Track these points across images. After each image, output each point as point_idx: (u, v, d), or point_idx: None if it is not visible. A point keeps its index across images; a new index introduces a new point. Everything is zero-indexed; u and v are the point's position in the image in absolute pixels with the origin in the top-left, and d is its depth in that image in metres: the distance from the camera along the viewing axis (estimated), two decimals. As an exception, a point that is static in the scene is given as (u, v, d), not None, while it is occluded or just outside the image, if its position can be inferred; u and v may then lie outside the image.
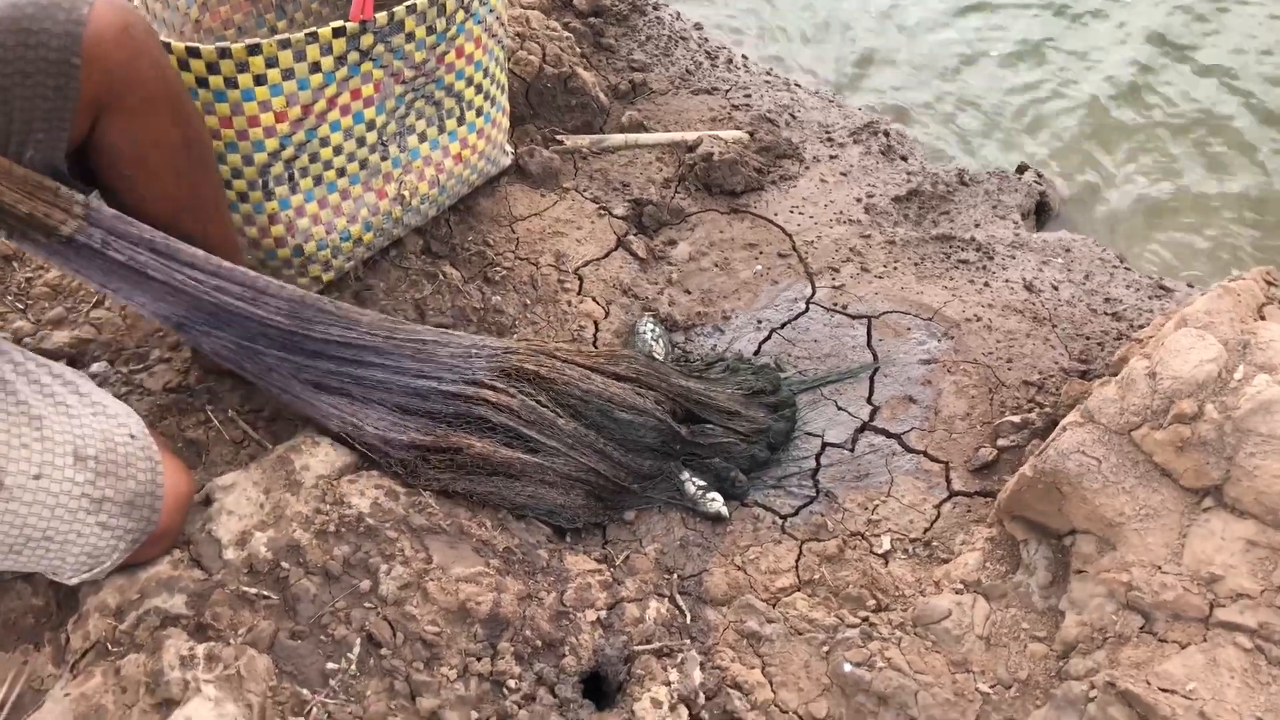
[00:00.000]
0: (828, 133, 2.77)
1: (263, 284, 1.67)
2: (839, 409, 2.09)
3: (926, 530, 1.87)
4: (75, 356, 2.07)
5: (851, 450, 2.03)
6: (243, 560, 1.67)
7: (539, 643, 1.62)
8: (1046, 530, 1.65)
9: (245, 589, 1.63)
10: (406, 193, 2.14)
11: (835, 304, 2.29)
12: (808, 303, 2.29)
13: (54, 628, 1.65)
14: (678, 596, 1.76)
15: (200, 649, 1.51)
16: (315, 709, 1.52)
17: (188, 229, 1.63)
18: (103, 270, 1.57)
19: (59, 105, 1.43)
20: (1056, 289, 2.34)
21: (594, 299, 2.26)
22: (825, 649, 1.66)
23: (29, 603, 1.68)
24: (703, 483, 1.92)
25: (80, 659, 1.55)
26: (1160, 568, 1.47)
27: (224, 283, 1.64)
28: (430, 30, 1.96)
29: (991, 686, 1.56)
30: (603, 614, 1.69)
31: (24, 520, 1.46)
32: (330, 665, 1.57)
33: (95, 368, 2.05)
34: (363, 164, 2.04)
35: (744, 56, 3.14)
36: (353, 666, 1.57)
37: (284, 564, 1.69)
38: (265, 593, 1.65)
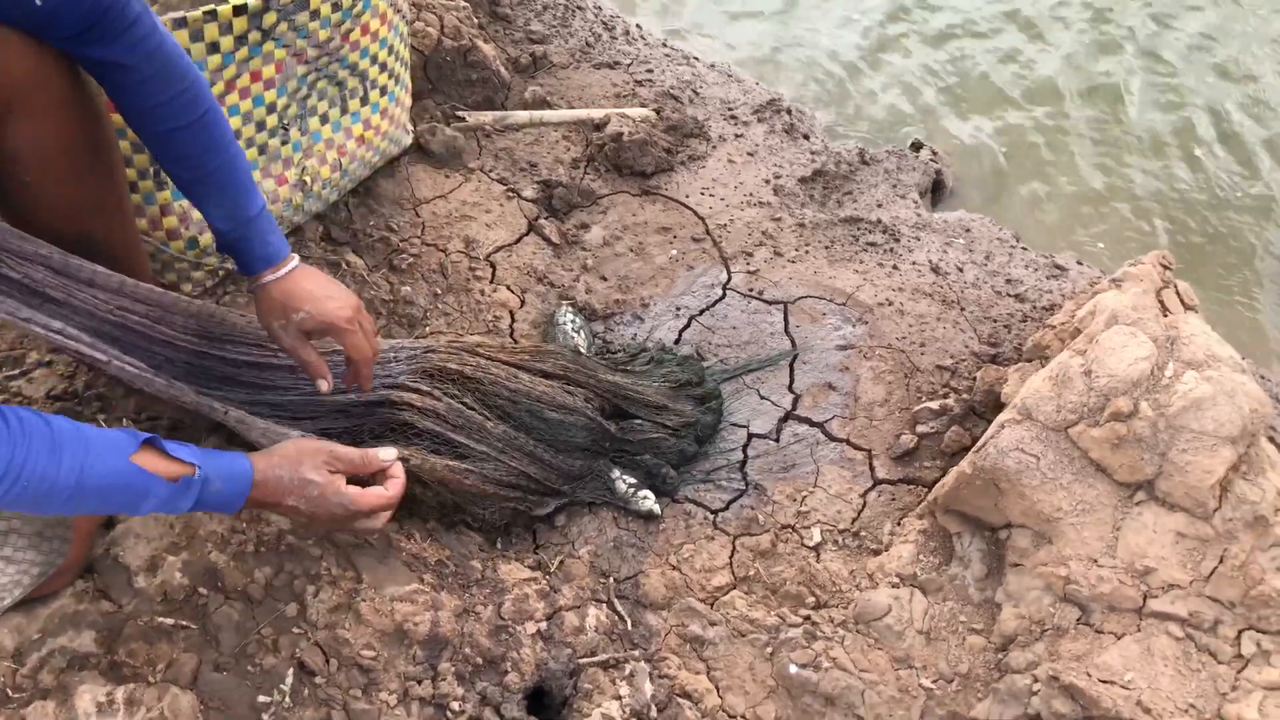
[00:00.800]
0: (731, 110, 2.74)
1: (169, 300, 1.54)
2: (762, 398, 2.09)
3: (854, 520, 1.89)
4: (-62, 361, 1.87)
5: (777, 440, 2.03)
6: (155, 588, 1.55)
7: (480, 660, 1.57)
8: (980, 524, 1.68)
9: (161, 620, 1.51)
10: (308, 178, 2.01)
11: (751, 289, 2.27)
12: (724, 288, 2.27)
13: (-58, 672, 1.49)
14: (615, 601, 1.73)
15: (119, 692, 1.39)
16: (247, 747, 1.43)
17: (89, 231, 1.49)
18: None
19: None
20: (961, 270, 2.38)
21: (508, 287, 2.18)
22: (769, 650, 1.66)
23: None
24: (633, 480, 1.88)
25: (-24, 707, 1.41)
26: (1096, 561, 1.51)
27: (127, 301, 1.51)
28: (336, 7, 1.83)
29: (934, 681, 1.60)
30: (542, 625, 1.64)
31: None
32: (261, 698, 1.48)
33: (-38, 374, 1.86)
34: (261, 149, 1.90)
35: (638, 26, 3.06)
36: (286, 699, 1.48)
37: (201, 590, 1.57)
38: (183, 622, 1.53)
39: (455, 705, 1.51)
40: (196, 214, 1.84)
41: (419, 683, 1.52)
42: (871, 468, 1.98)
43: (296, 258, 1.53)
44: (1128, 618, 1.48)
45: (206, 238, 1.89)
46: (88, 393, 1.80)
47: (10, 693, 1.42)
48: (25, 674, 1.43)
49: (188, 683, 1.47)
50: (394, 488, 1.46)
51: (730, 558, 1.82)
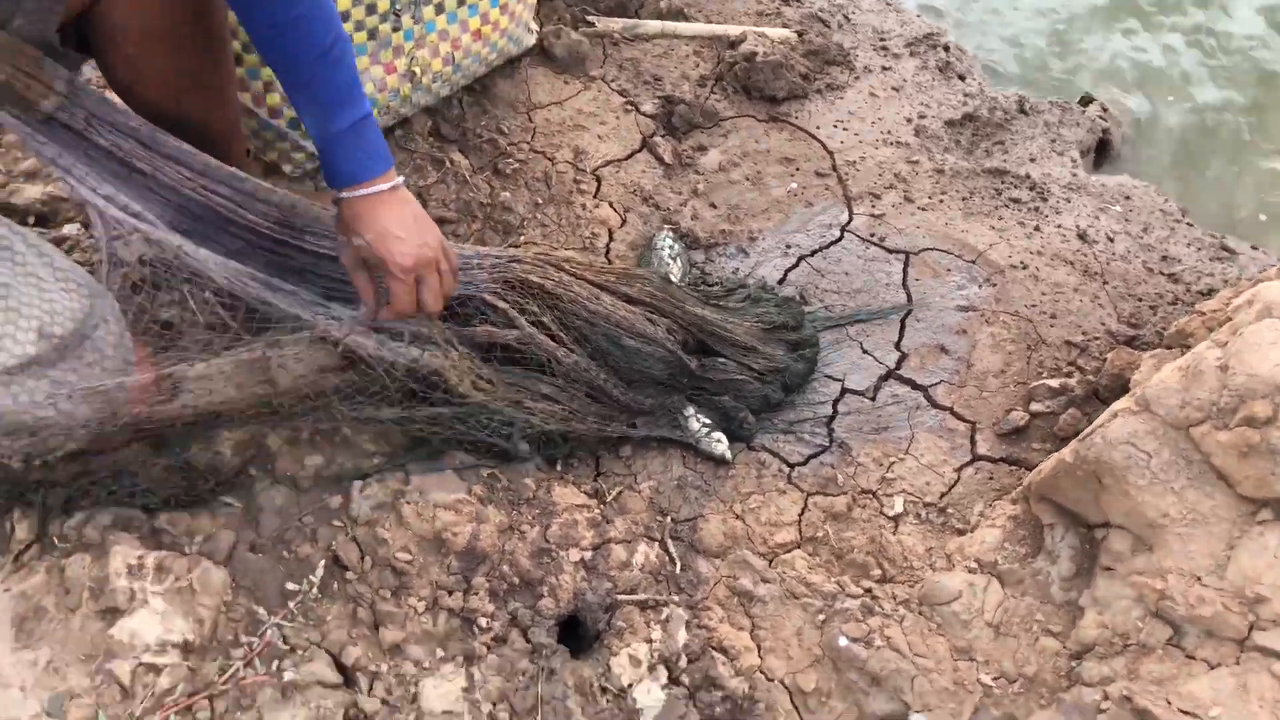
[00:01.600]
0: (882, 40, 2.54)
1: (251, 187, 1.51)
2: (864, 352, 1.94)
3: (943, 495, 1.75)
4: (46, 215, 1.92)
5: (873, 399, 1.88)
6: (206, 463, 1.55)
7: (516, 580, 1.51)
8: (1077, 518, 1.52)
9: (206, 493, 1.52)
10: (417, 69, 1.94)
11: (872, 234, 2.11)
12: (843, 230, 2.12)
13: (2, 512, 1.53)
14: (669, 542, 1.64)
15: (150, 559, 1.40)
16: (271, 630, 1.41)
17: (189, 112, 1.48)
18: (83, 158, 1.41)
19: None
20: (1112, 240, 2.15)
21: (611, 204, 2.08)
22: (821, 617, 1.54)
23: (-21, 483, 1.56)
24: (708, 421, 1.78)
25: (24, 550, 1.45)
26: (1200, 579, 1.34)
27: (211, 183, 1.48)
28: (457, -114, 1.74)
29: (994, 679, 1.46)
30: (587, 554, 1.57)
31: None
32: (291, 585, 1.47)
33: (67, 229, 1.90)
34: (371, 34, 1.84)
35: (800, -56, 2.87)
36: (314, 589, 1.46)
37: (251, 470, 1.57)
38: (228, 499, 1.54)
39: (483, 622, 1.47)
40: (299, 93, 1.81)
41: (450, 593, 1.48)
42: (973, 441, 1.82)
43: (391, 183, 1.43)
44: (1226, 647, 1.31)
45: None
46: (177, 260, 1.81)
47: (57, 541, 1.45)
48: (72, 525, 1.46)
49: (222, 558, 1.46)
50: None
51: (800, 515, 1.71)
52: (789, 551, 1.65)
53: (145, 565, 1.39)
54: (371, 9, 1.81)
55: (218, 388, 1.60)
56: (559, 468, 1.72)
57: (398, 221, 1.43)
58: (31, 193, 1.94)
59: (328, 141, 1.41)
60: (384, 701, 1.38)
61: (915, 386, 1.90)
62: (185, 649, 1.36)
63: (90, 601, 1.38)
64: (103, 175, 1.45)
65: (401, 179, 1.46)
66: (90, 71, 1.61)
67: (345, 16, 1.78)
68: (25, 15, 1.30)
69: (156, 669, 1.34)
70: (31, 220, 1.86)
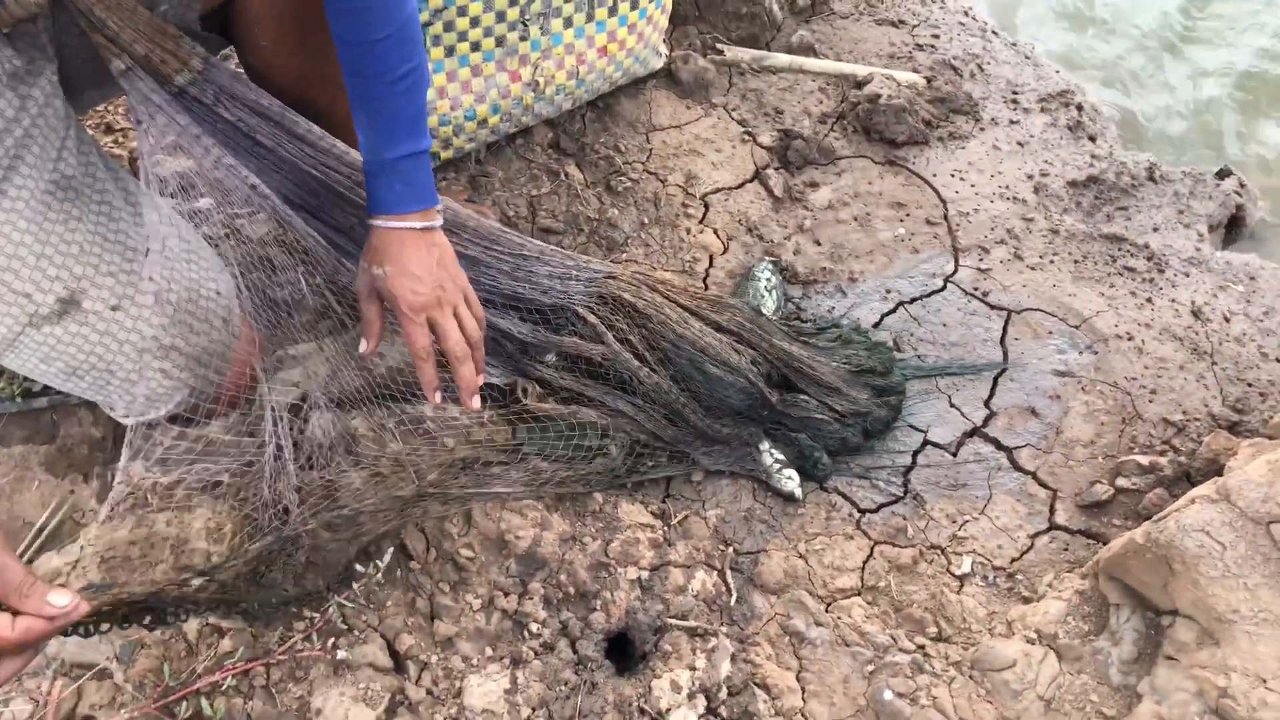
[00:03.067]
0: (1014, 94, 2.50)
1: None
2: (951, 406, 1.91)
3: (1014, 561, 1.71)
4: (183, 187, 2.03)
5: (954, 455, 1.85)
6: (294, 437, 1.62)
7: (571, 590, 1.54)
8: (1145, 602, 1.47)
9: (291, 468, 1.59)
10: (541, 79, 2.00)
11: (976, 288, 2.08)
12: (946, 280, 2.09)
13: (105, 463, 1.64)
14: (728, 573, 1.65)
15: (229, 525, 1.47)
16: (332, 608, 1.47)
17: (313, 100, 1.56)
18: (210, 130, 1.51)
19: None
20: (1228, 320, 2.07)
21: (715, 231, 2.10)
22: (870, 668, 1.53)
23: (87, 432, 1.67)
24: (781, 457, 1.78)
25: (120, 503, 1.54)
26: (1265, 682, 1.28)
27: (332, 162, 1.56)
28: (597, -92, 1.79)
29: (1041, 757, 1.42)
30: (645, 574, 1.59)
31: (91, 347, 1.43)
32: (358, 567, 1.53)
33: (201, 203, 2.00)
34: (499, 41, 1.91)
35: (942, -12, 2.84)
36: (379, 574, 1.52)
37: (335, 451, 1.64)
38: (311, 478, 1.60)
39: (534, 627, 1.50)
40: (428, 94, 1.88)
41: (506, 595, 1.52)
42: (1052, 510, 1.78)
43: (426, 223, 1.45)
44: (1287, 759, 1.25)
45: (433, 120, 1.93)
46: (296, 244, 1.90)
47: (149, 498, 1.54)
48: (165, 485, 1.55)
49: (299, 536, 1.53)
50: (20, 630, 0.98)
51: (864, 562, 1.69)
52: (848, 598, 1.64)
53: (223, 529, 1.47)
54: (501, 16, 1.87)
55: (316, 368, 1.68)
56: (629, 485, 1.74)
57: (419, 261, 1.44)
58: (171, 166, 2.06)
59: (374, 166, 1.44)
60: (429, 692, 1.43)
61: (1000, 447, 1.86)
62: (250, 614, 1.43)
63: (170, 557, 1.46)
64: (226, 148, 1.54)
65: (440, 221, 1.47)
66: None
67: (475, 22, 1.85)
68: (170, 2, 1.39)
69: (221, 631, 1.41)
70: (172, 190, 1.98)
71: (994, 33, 2.71)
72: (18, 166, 1.38)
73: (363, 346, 1.51)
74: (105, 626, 1.18)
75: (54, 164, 1.42)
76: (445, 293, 1.45)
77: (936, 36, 2.59)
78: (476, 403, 1.48)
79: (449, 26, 1.84)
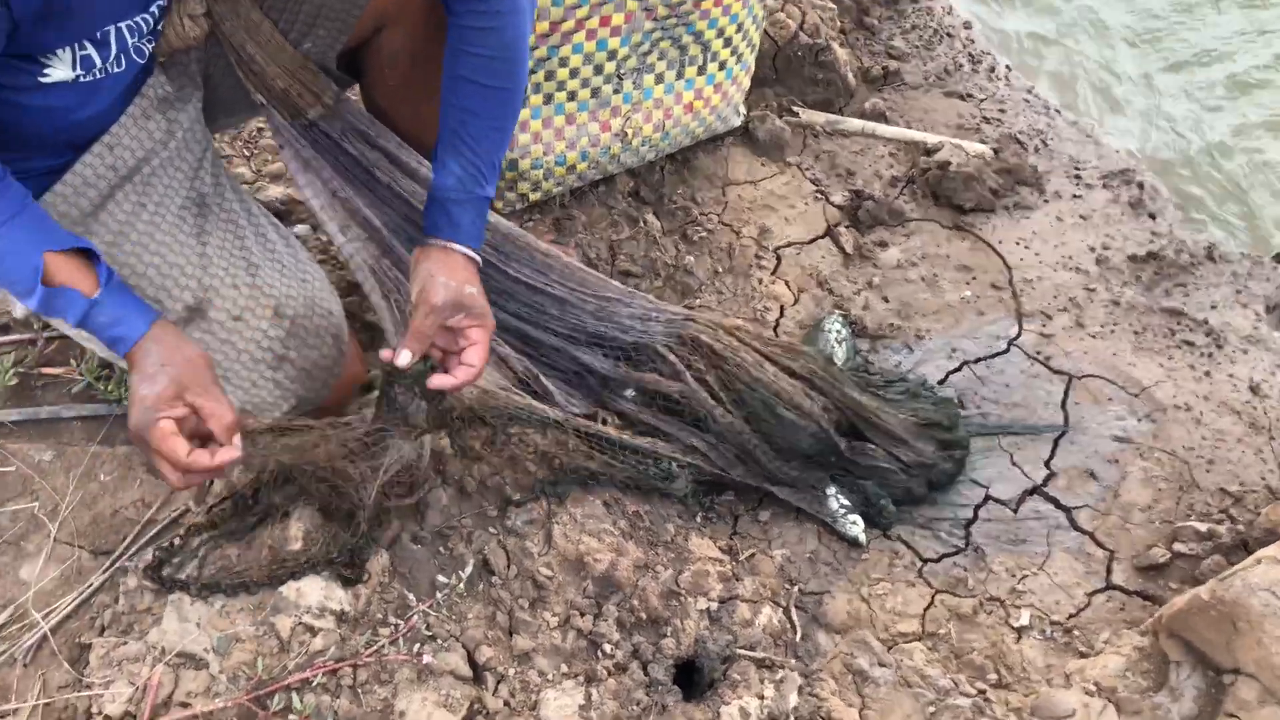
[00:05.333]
0: (1077, 169, 2.58)
1: None
2: (1013, 464, 1.96)
3: (1071, 616, 1.74)
4: (283, 214, 2.14)
5: (1014, 511, 1.90)
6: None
7: (644, 615, 1.59)
8: (1206, 660, 1.50)
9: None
10: (629, 130, 2.10)
11: (1038, 352, 2.14)
12: (1010, 343, 2.15)
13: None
14: (793, 610, 1.69)
15: (321, 532, 1.54)
16: (417, 616, 1.53)
17: (425, 142, 1.66)
18: (333, 162, 1.61)
19: (348, 10, 1.47)
20: (1287, 399, 2.11)
21: (787, 283, 2.18)
22: (931, 709, 1.56)
23: (188, 436, 1.75)
24: (847, 502, 1.83)
25: (218, 504, 1.61)
26: (1330, 744, 1.31)
27: None
28: (695, -27, 1.90)
29: (1100, 807, 1.45)
30: (713, 605, 1.64)
31: (211, 354, 1.51)
32: (441, 578, 1.59)
33: (299, 229, 2.12)
34: (594, 92, 2.01)
35: (1007, 68, 2.94)
36: (461, 585, 1.57)
37: (429, 470, 1.71)
38: (401, 492, 1.67)
39: (608, 647, 1.55)
40: (523, 138, 1.99)
41: (582, 615, 1.57)
42: (1109, 570, 1.81)
43: (471, 254, 1.50)
44: (1350, 820, 1.27)
45: (526, 163, 2.03)
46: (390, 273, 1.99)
47: (249, 502, 1.61)
48: (272, 486, 1.62)
49: (387, 543, 1.60)
50: (199, 461, 1.25)
51: (925, 609, 1.73)
52: (909, 642, 1.68)
53: (315, 537, 1.54)
54: (599, 70, 1.98)
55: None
56: (699, 519, 1.80)
57: (454, 273, 1.46)
58: (274, 192, 2.18)
59: (464, 197, 1.48)
60: (506, 703, 1.48)
61: (1059, 506, 1.91)
62: (340, 618, 1.49)
63: (268, 554, 1.53)
64: (345, 179, 1.64)
65: (479, 260, 1.52)
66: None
67: (574, 73, 1.96)
68: (315, 40, 1.51)
69: (313, 630, 1.47)
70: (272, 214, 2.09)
71: (1056, 111, 2.80)
72: (158, 184, 1.48)
73: (404, 359, 1.43)
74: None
75: (191, 182, 1.52)
76: (466, 295, 1.48)
77: (1003, 111, 2.69)
78: (446, 383, 1.48)
79: (550, 76, 1.94)
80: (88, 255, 1.28)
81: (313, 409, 1.63)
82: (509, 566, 1.61)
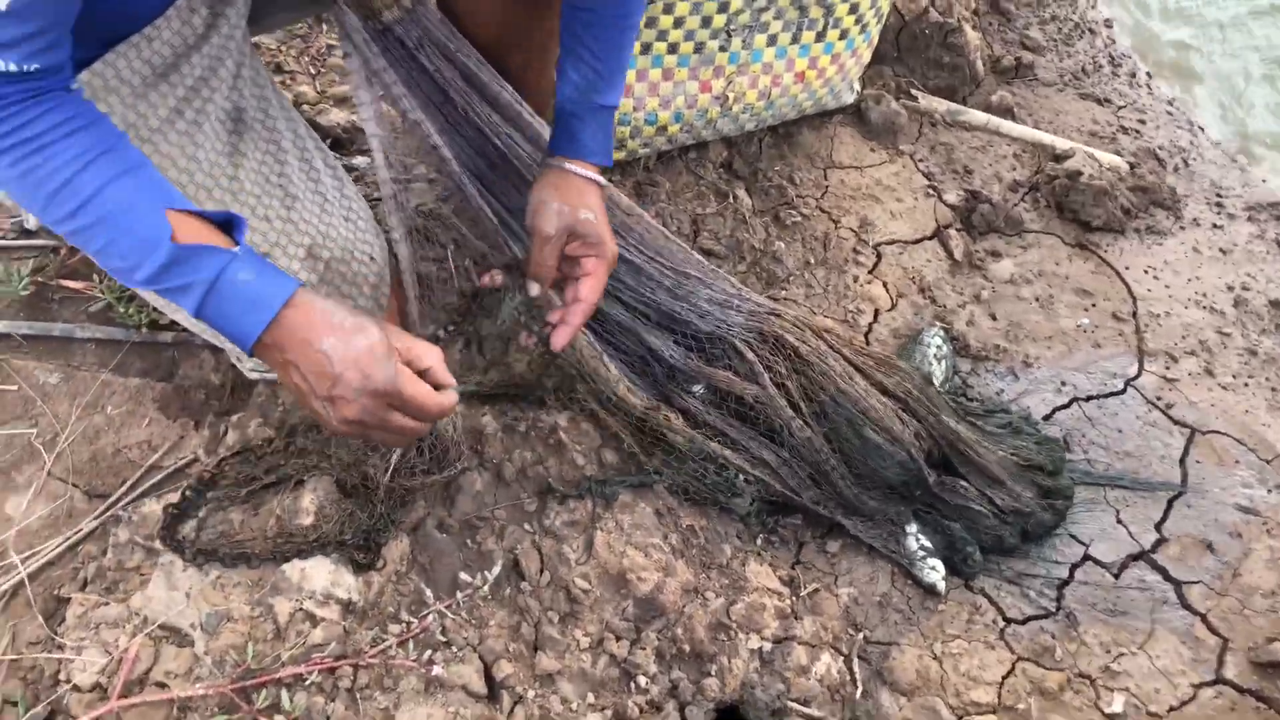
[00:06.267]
0: (1219, 197, 2.31)
1: None
2: (1118, 522, 1.73)
3: (1172, 710, 1.52)
4: (343, 140, 1.95)
5: (1115, 576, 1.67)
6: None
7: (687, 648, 1.40)
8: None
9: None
10: (731, 94, 1.88)
11: (1159, 398, 1.89)
12: (1127, 384, 1.91)
13: (219, 413, 1.54)
14: (856, 661, 1.49)
15: (332, 508, 1.36)
16: (432, 616, 1.35)
17: (509, 62, 1.46)
18: (405, 77, 1.41)
19: None
20: None
21: (885, 285, 1.95)
22: (1004, 802, 1.35)
23: (206, 377, 1.58)
24: (928, 545, 1.62)
25: (230, 456, 1.44)
26: None
27: (516, 134, 1.45)
28: (831, -75, 1.67)
29: None
30: (766, 646, 1.44)
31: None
32: (464, 576, 1.40)
33: (359, 160, 1.93)
34: (699, 47, 1.79)
35: (1148, 75, 2.66)
36: (485, 588, 1.39)
37: (461, 445, 1.52)
38: (429, 469, 1.49)
39: (642, 680, 1.36)
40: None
41: (618, 639, 1.38)
42: (1221, 661, 1.58)
43: (606, 183, 1.40)
44: None
45: (613, 117, 1.82)
46: (451, 219, 1.80)
47: (258, 455, 1.43)
48: (278, 443, 1.44)
49: (408, 528, 1.41)
50: (449, 399, 1.13)
51: (1004, 678, 1.52)
52: (983, 714, 1.47)
53: (327, 511, 1.36)
54: (706, 22, 1.76)
55: (453, 353, 1.57)
56: (759, 542, 1.59)
57: (605, 213, 1.38)
58: (336, 116, 1.99)
59: (581, 109, 1.35)
60: (521, 729, 1.30)
61: (1168, 578, 1.67)
62: (346, 608, 1.32)
63: (274, 524, 1.36)
64: (416, 99, 1.44)
65: (601, 181, 1.40)
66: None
67: (679, 22, 1.74)
68: None
69: (314, 619, 1.30)
70: (329, 143, 1.90)
71: (1200, 128, 2.52)
72: (200, 88, 1.29)
73: (534, 289, 1.38)
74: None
75: (229, 91, 1.33)
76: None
77: (1143, 122, 2.41)
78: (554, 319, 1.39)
79: (650, 22, 1.73)
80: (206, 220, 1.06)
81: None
82: (542, 572, 1.42)
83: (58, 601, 1.34)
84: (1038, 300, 1.99)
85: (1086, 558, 1.69)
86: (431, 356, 1.12)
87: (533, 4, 1.44)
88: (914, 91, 2.22)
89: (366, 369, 1.03)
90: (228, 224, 1.06)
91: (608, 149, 1.37)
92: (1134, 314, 2.01)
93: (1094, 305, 2.01)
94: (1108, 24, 2.74)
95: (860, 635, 1.52)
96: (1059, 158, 2.17)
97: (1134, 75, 2.59)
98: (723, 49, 1.81)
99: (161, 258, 0.99)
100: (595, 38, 1.32)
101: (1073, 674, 1.54)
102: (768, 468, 1.58)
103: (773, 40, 1.85)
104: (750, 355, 1.60)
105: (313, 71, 2.04)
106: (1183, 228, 2.20)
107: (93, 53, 1.21)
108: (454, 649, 1.32)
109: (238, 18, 1.32)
